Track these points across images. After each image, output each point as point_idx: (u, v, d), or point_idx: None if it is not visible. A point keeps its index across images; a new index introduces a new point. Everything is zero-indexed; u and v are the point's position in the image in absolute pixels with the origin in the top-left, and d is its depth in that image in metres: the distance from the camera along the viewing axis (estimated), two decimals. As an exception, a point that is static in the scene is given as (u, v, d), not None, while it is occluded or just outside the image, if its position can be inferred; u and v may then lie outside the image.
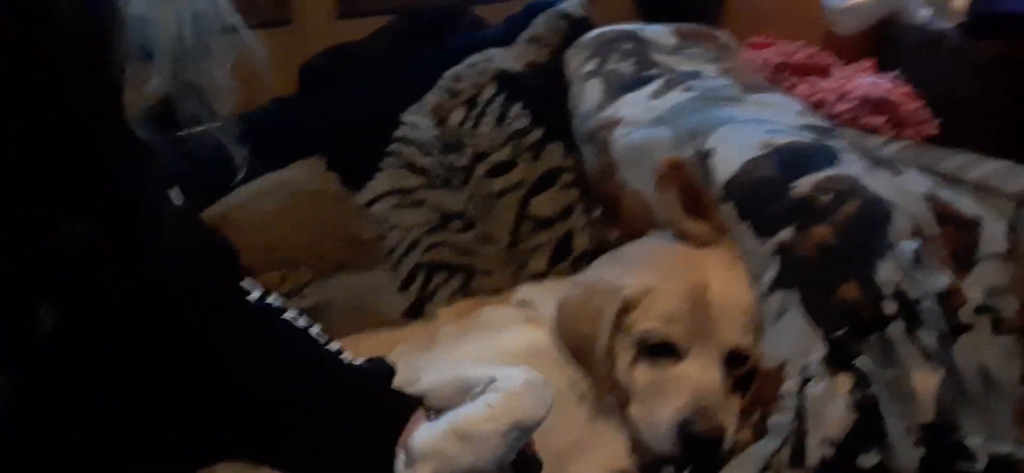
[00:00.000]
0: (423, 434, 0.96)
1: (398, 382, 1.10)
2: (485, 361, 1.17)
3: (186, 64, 0.94)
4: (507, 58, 1.55)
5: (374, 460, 1.01)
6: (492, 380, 0.99)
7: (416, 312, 1.41)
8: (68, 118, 0.82)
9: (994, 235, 1.21)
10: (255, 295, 1.07)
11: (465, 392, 1.03)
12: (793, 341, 1.11)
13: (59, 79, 0.81)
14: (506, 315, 1.30)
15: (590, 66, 1.58)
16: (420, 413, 1.04)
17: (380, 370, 1.08)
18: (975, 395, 1.10)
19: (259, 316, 1.06)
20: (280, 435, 1.03)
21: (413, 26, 1.70)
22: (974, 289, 1.16)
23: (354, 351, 1.29)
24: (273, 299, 1.09)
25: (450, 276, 1.42)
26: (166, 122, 1.02)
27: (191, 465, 1.02)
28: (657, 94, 1.47)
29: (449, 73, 1.51)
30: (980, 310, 1.14)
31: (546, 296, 1.30)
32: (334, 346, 1.09)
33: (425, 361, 1.22)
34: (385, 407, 1.04)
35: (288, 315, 1.08)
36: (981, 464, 1.07)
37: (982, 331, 1.14)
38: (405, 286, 1.40)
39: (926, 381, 1.06)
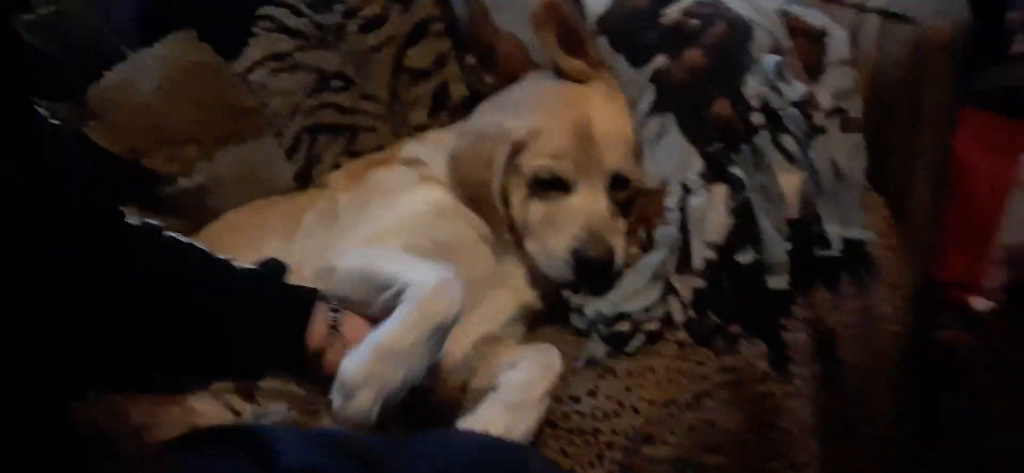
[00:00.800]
0: (352, 363, 0.98)
1: (305, 261, 1.12)
2: (393, 228, 1.21)
3: None
4: (368, -91, 1.50)
5: (284, 353, 1.03)
6: (402, 288, 1.03)
7: (305, 177, 1.40)
8: None
9: (839, 43, 1.32)
10: (134, 220, 1.03)
11: (374, 289, 1.06)
12: (673, 159, 1.20)
13: None
14: (399, 177, 1.31)
15: (453, -88, 1.56)
16: (321, 305, 1.06)
17: (273, 269, 1.08)
18: (829, 189, 1.23)
19: (143, 234, 1.02)
20: (187, 345, 1.01)
21: None
22: (825, 94, 1.27)
23: (259, 221, 1.30)
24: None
25: (334, 137, 1.42)
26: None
27: (102, 382, 0.99)
28: (522, -64, 1.48)
29: (308, -71, 1.46)
30: (831, 113, 1.27)
31: (433, 151, 1.32)
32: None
33: (331, 237, 1.24)
34: (285, 301, 1.05)
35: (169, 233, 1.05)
36: (836, 249, 1.21)
37: (833, 131, 1.27)
38: (291, 152, 1.39)
39: (790, 181, 1.18)
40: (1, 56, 0.80)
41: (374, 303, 1.07)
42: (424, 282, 1.03)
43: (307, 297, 1.06)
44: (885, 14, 1.33)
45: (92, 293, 0.92)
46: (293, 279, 1.08)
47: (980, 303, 2.07)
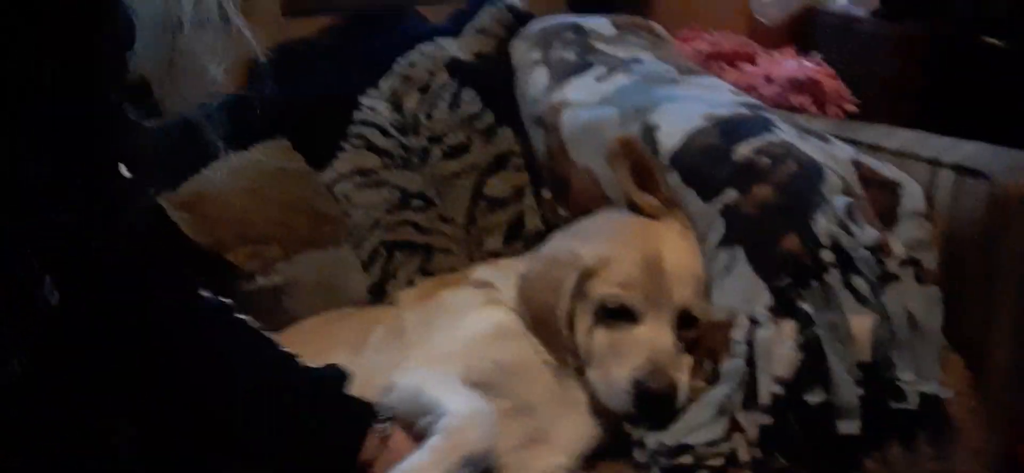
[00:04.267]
0: None
1: (370, 376, 1.13)
2: (455, 349, 1.23)
3: (176, 45, 0.93)
4: (456, 47, 1.61)
5: (335, 463, 1.03)
6: (439, 416, 1.04)
7: (379, 290, 1.45)
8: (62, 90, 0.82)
9: (914, 195, 1.32)
10: (207, 295, 1.05)
11: (421, 412, 1.07)
12: (741, 292, 1.20)
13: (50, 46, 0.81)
14: (467, 297, 1.34)
15: (535, 55, 1.65)
16: (377, 428, 1.07)
17: (335, 375, 1.09)
18: (904, 338, 1.20)
19: (213, 309, 1.04)
20: (238, 437, 1.01)
21: (359, 24, 1.74)
22: (898, 243, 1.26)
23: (330, 333, 1.32)
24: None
25: (411, 254, 1.47)
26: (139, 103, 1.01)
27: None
28: (601, 78, 1.54)
29: (403, 59, 1.57)
30: (905, 262, 1.25)
31: (504, 275, 1.35)
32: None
33: (397, 353, 1.26)
34: (344, 413, 1.05)
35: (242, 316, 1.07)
36: (912, 402, 1.17)
37: (908, 281, 1.24)
38: (368, 265, 1.44)
39: (862, 324, 1.16)
40: (89, 110, 0.85)
41: (421, 425, 1.07)
42: (456, 413, 1.04)
43: (365, 412, 1.07)
44: (960, 169, 1.33)
45: (151, 359, 0.94)
46: (358, 392, 1.09)
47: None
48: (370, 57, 1.57)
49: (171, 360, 0.97)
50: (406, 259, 1.47)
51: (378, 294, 1.44)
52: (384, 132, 1.49)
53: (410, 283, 1.45)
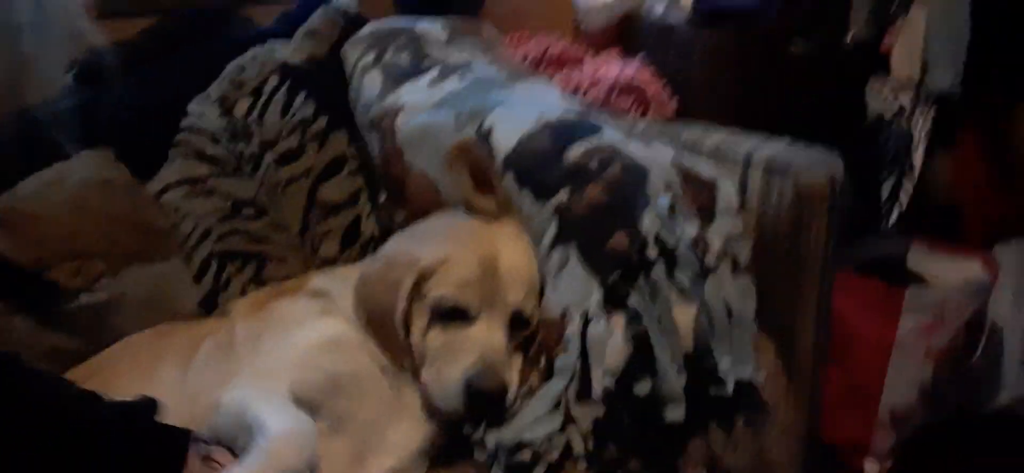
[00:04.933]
0: None
1: (198, 393, 1.10)
2: (284, 364, 1.21)
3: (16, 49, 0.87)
4: (288, 51, 1.58)
5: None
6: (260, 435, 1.03)
7: (210, 302, 1.41)
8: None
9: (728, 192, 1.41)
10: None
11: (245, 431, 1.06)
12: (574, 290, 1.25)
13: None
14: (301, 308, 1.33)
15: (369, 58, 1.65)
16: (194, 444, 1.05)
17: (144, 405, 1.07)
18: (722, 328, 1.29)
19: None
20: None
21: (181, 26, 1.68)
22: (715, 238, 1.35)
23: (157, 349, 1.27)
24: None
25: (243, 264, 1.44)
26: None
27: None
28: (435, 82, 1.56)
29: (232, 64, 1.53)
30: (721, 255, 1.34)
31: (340, 284, 1.34)
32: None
33: (227, 368, 1.23)
34: (155, 442, 1.03)
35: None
36: (729, 388, 1.25)
37: (724, 273, 1.33)
38: (199, 276, 1.40)
39: (685, 315, 1.23)
40: None
41: (245, 445, 1.06)
42: (274, 430, 1.04)
43: (179, 437, 1.05)
44: (768, 166, 1.44)
45: None
46: (187, 410, 1.07)
47: (871, 465, 2.14)
48: (198, 61, 1.53)
49: None
50: (239, 269, 1.43)
51: (210, 306, 1.40)
52: (214, 139, 1.45)
53: (243, 294, 1.41)
